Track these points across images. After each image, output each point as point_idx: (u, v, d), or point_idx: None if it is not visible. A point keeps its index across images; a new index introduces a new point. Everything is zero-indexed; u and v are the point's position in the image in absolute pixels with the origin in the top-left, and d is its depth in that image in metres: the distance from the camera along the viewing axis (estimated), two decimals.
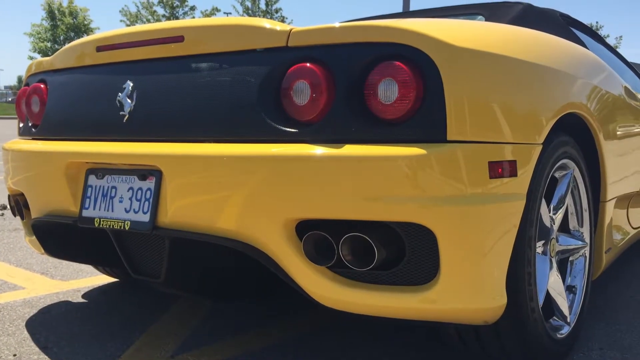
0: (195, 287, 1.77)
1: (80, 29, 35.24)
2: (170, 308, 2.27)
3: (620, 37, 39.30)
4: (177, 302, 2.33)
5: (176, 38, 1.64)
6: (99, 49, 1.82)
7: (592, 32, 3.01)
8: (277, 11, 27.82)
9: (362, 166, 1.35)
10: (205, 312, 2.23)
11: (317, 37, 1.48)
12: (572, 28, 2.66)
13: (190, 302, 2.33)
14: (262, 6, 27.37)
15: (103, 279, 2.67)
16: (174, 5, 26.27)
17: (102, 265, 2.42)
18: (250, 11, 26.84)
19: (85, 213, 1.72)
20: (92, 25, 36.83)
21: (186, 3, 26.76)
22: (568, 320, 1.78)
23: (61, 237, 1.97)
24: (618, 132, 2.14)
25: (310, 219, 1.42)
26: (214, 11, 28.85)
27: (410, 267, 1.41)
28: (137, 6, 26.57)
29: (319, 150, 1.39)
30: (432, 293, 1.39)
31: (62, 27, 35.15)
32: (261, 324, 2.10)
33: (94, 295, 2.48)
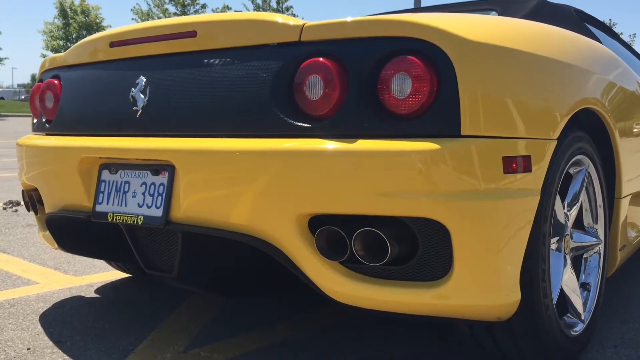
0: (208, 282, 1.78)
1: (92, 27, 35.45)
2: (182, 304, 2.28)
3: (634, 34, 38.89)
4: (189, 298, 2.34)
5: (189, 33, 1.64)
6: (112, 44, 1.83)
7: (606, 28, 2.99)
8: (288, 9, 27.83)
9: (375, 161, 1.34)
10: (217, 308, 2.23)
11: (330, 32, 1.47)
12: (586, 24, 2.64)
13: (202, 298, 2.34)
14: (273, 4, 27.40)
15: (116, 275, 2.68)
16: (185, 3, 26.35)
17: (115, 260, 2.43)
18: (261, 9, 26.86)
19: (98, 208, 1.73)
20: (103, 24, 37.05)
21: (197, 1, 26.84)
22: (582, 317, 1.77)
23: (75, 232, 1.98)
24: (634, 129, 2.12)
25: (322, 214, 1.42)
26: (225, 9, 28.91)
27: (424, 263, 1.41)
28: (149, 4, 26.70)
29: (331, 145, 1.38)
30: (445, 289, 1.39)
31: (75, 25, 35.37)
32: (272, 321, 2.10)
33: (106, 290, 2.49)
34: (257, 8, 26.71)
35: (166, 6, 26.49)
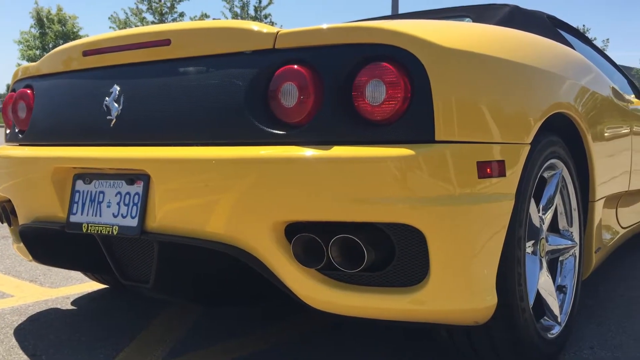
0: (185, 292, 1.76)
1: (69, 36, 35.08)
2: (159, 314, 2.25)
3: (607, 40, 39.61)
4: (167, 308, 2.31)
5: (163, 41, 1.63)
6: (86, 53, 1.81)
7: (579, 34, 3.03)
8: (266, 17, 27.83)
9: (350, 167, 1.35)
10: (195, 318, 2.21)
11: (305, 39, 1.47)
12: (559, 30, 2.68)
13: (180, 307, 2.32)
14: (251, 12, 27.39)
15: (93, 286, 2.64)
16: (163, 11, 26.23)
17: (91, 271, 2.40)
18: (239, 17, 26.83)
19: (73, 218, 1.71)
20: (81, 33, 36.67)
21: (175, 10, 26.71)
22: (559, 320, 1.78)
23: (49, 244, 1.95)
24: (606, 133, 2.15)
25: (299, 221, 1.42)
26: (203, 17, 28.82)
27: (400, 269, 1.41)
28: (126, 13, 26.50)
29: (307, 152, 1.38)
30: (422, 294, 1.39)
31: (51, 34, 35.00)
32: (251, 330, 2.09)
33: (83, 302, 2.46)
34: (235, 16, 26.67)
35: (144, 14, 26.31)
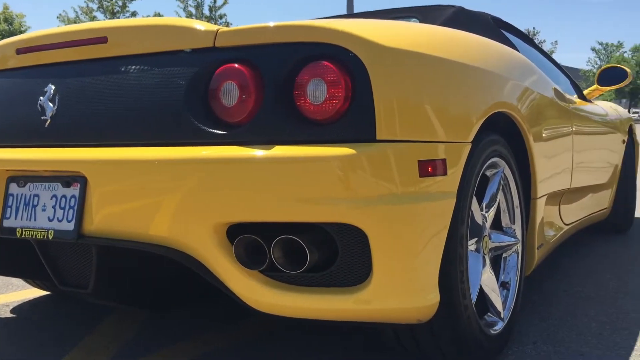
0: (126, 297, 1.71)
1: (16, 35, 34.03)
2: (104, 320, 2.19)
3: (556, 42, 40.77)
4: (112, 313, 2.25)
5: (99, 39, 1.58)
6: (19, 51, 1.74)
7: (523, 35, 3.10)
8: (221, 17, 27.58)
9: (291, 167, 1.33)
10: (140, 323, 2.16)
11: (245, 38, 1.45)
12: (503, 31, 2.73)
13: (126, 312, 2.26)
14: (206, 12, 27.10)
15: (34, 292, 2.55)
16: (115, 10, 25.68)
17: (28, 277, 2.32)
18: (193, 17, 26.51)
19: (6, 223, 1.64)
20: (28, 32, 35.61)
21: (127, 9, 26.18)
22: (502, 316, 1.81)
23: None
24: (548, 132, 2.20)
25: (241, 222, 1.39)
26: (157, 16, 28.36)
27: (344, 269, 1.40)
28: (76, 12, 25.81)
29: (248, 152, 1.36)
30: (365, 293, 1.39)
31: None
32: (199, 333, 2.05)
33: (24, 309, 2.37)
34: (190, 16, 26.32)
35: (95, 13, 25.70)
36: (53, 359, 1.83)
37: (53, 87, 1.64)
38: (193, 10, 27.37)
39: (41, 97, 1.65)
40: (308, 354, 1.85)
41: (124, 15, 26.39)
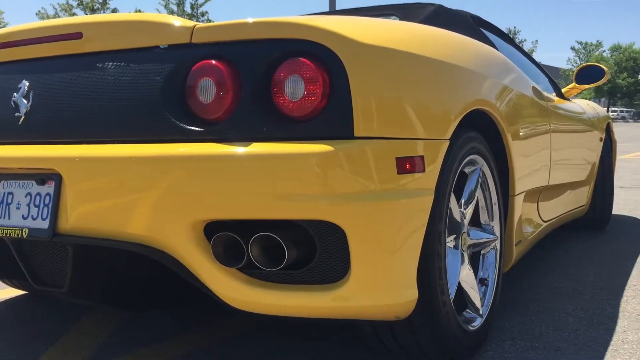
0: (102, 296, 1.69)
1: None
2: (81, 319, 2.17)
3: (537, 41, 41.21)
4: (90, 313, 2.23)
5: (74, 35, 1.56)
6: None
7: (502, 34, 3.12)
8: (203, 14, 27.44)
9: (269, 164, 1.32)
10: (118, 322, 2.14)
11: (222, 34, 1.44)
12: (482, 29, 2.74)
13: (104, 311, 2.24)
14: (188, 9, 26.94)
15: (11, 292, 2.52)
16: (95, 7, 25.41)
17: (3, 276, 2.28)
18: (175, 14, 26.33)
19: None
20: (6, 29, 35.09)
21: (108, 5, 25.92)
22: (480, 312, 1.82)
23: None
24: (526, 130, 2.21)
25: (218, 219, 1.38)
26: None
27: (322, 266, 1.40)
28: (55, 9, 25.49)
29: (225, 149, 1.35)
30: (344, 291, 1.39)
31: None
32: (179, 333, 2.04)
33: (0, 309, 2.33)
34: (171, 13, 26.17)
35: (74, 10, 25.39)
36: (30, 358, 1.81)
37: (27, 84, 1.62)
38: (175, 8, 27.21)
39: (15, 94, 1.63)
40: (287, 353, 1.85)
41: (104, 12, 26.13)
